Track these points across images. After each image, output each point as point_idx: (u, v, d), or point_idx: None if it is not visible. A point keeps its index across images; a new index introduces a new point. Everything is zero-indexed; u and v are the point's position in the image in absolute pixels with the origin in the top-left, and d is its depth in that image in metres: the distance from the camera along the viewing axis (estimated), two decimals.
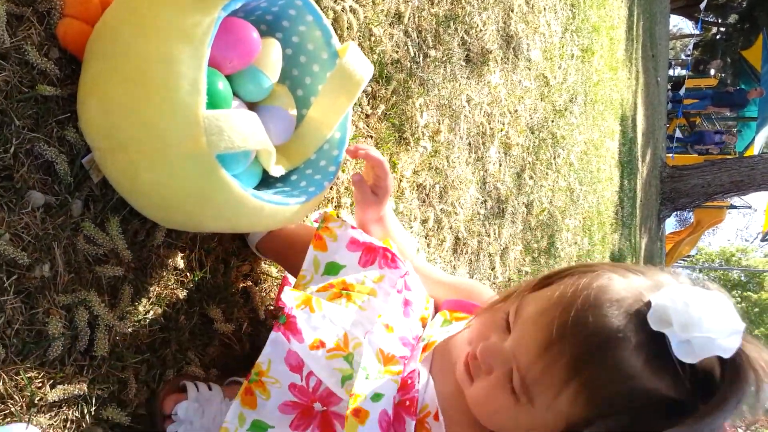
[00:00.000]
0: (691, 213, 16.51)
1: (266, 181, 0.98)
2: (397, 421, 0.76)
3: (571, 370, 0.66)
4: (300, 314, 0.80)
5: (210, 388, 0.96)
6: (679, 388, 0.65)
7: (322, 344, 0.79)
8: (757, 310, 21.65)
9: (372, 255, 0.92)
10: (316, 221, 1.07)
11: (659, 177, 10.79)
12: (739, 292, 22.39)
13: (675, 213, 17.32)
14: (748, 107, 14.25)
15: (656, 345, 0.64)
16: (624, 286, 0.69)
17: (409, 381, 0.80)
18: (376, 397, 0.74)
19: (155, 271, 0.95)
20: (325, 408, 0.81)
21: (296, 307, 0.81)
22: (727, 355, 0.63)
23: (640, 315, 0.66)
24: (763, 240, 19.42)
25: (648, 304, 0.66)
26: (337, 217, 0.95)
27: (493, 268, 2.54)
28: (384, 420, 0.73)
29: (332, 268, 0.91)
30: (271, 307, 1.19)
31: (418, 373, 0.82)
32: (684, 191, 10.77)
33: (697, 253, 24.35)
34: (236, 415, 0.81)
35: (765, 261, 23.66)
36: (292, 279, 1.21)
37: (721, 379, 0.64)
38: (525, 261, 2.97)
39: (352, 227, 0.94)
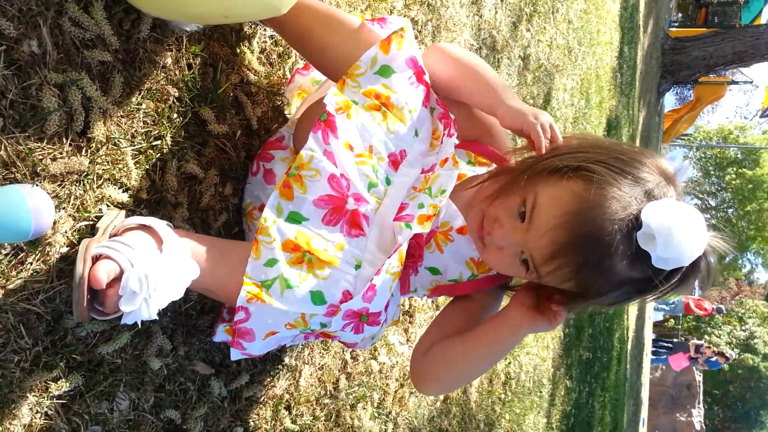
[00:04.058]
0: (690, 90, 16.24)
1: None
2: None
3: (573, 275, 0.91)
4: (338, 117, 0.89)
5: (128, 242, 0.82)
6: (647, 277, 0.90)
7: (351, 148, 0.89)
8: (750, 186, 21.89)
9: (422, 82, 0.98)
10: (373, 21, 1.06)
11: (660, 49, 10.50)
12: (735, 168, 22.54)
13: (675, 89, 17.03)
14: None
15: (639, 253, 0.87)
16: (620, 203, 0.88)
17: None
18: (421, 205, 0.96)
19: (144, 66, 0.95)
20: (355, 207, 0.89)
21: (335, 111, 0.89)
22: (690, 262, 0.89)
23: (631, 231, 0.87)
24: (762, 116, 19.24)
25: (639, 223, 0.87)
26: (411, 33, 0.99)
27: None
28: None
29: (385, 71, 0.94)
30: (265, 120, 1.21)
31: None
32: (685, 63, 10.52)
33: (695, 131, 24.23)
34: (274, 207, 0.88)
35: (762, 138, 23.57)
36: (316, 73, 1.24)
37: (682, 272, 0.91)
38: None
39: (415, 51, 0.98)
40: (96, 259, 0.78)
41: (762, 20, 14.40)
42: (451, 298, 1.17)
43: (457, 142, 1.09)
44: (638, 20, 7.34)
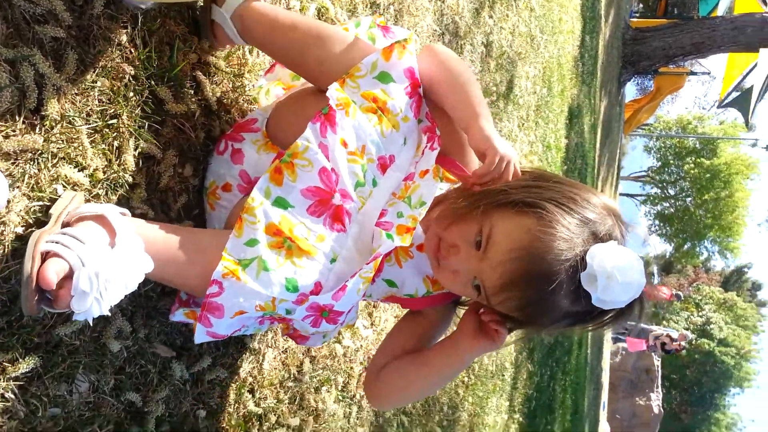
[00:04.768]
0: (651, 81, 16.59)
1: None
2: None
3: (521, 307, 0.96)
4: (338, 113, 0.91)
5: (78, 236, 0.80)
6: (587, 311, 0.96)
7: (345, 144, 0.92)
8: (708, 175, 22.53)
9: (415, 94, 1.01)
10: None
11: (621, 39, 10.69)
12: (693, 158, 23.15)
13: (635, 80, 17.37)
14: None
15: (581, 291, 0.93)
16: (567, 243, 0.93)
17: None
18: (400, 215, 1.00)
19: (98, 43, 0.94)
20: (341, 202, 0.92)
21: (336, 107, 0.91)
22: (626, 305, 0.95)
23: (575, 271, 0.93)
24: (719, 106, 19.79)
25: (583, 264, 0.92)
26: (414, 46, 1.02)
27: None
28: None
29: (384, 78, 0.98)
30: (224, 100, 1.20)
31: None
32: (645, 54, 10.74)
33: (655, 121, 24.80)
34: (263, 189, 0.90)
35: (719, 128, 24.24)
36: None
37: (618, 311, 0.98)
38: None
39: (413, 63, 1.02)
40: (45, 255, 0.77)
41: (718, 12, 14.75)
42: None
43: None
44: (599, 10, 7.45)
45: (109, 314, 0.79)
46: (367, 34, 1.16)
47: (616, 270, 0.90)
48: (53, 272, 0.75)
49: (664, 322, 21.66)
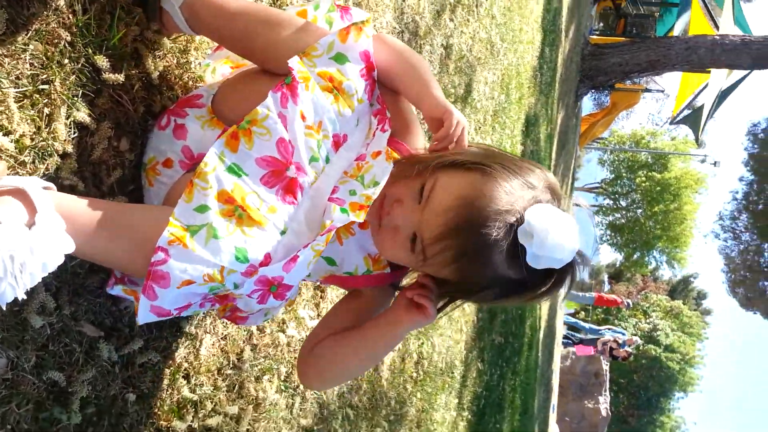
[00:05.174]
0: (607, 96, 17.04)
1: None
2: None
3: (456, 258, 0.96)
4: (300, 85, 0.90)
5: None
6: (522, 275, 0.96)
7: (304, 118, 0.92)
8: (659, 188, 23.26)
9: (370, 77, 1.01)
10: None
11: (580, 54, 10.94)
12: (645, 172, 23.86)
13: (593, 95, 17.79)
14: None
15: (516, 248, 0.93)
16: (509, 198, 0.95)
17: None
18: (353, 192, 0.99)
19: (33, 5, 0.90)
20: (295, 175, 0.91)
21: (297, 77, 0.90)
22: (560, 266, 0.95)
23: (513, 225, 0.94)
24: (671, 123, 20.43)
25: (521, 219, 0.93)
26: (371, 29, 1.02)
27: None
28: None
29: (341, 59, 0.98)
30: (168, 76, 1.17)
31: None
32: (603, 69, 11.01)
33: (610, 135, 25.46)
34: (217, 155, 0.88)
35: (671, 144, 25.05)
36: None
37: (552, 276, 0.98)
38: None
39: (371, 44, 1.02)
40: None
41: (674, 33, 15.25)
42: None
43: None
44: (560, 24, 7.61)
45: (26, 297, 0.75)
46: (325, 17, 1.14)
47: (553, 228, 0.92)
48: None
49: (613, 327, 22.24)
